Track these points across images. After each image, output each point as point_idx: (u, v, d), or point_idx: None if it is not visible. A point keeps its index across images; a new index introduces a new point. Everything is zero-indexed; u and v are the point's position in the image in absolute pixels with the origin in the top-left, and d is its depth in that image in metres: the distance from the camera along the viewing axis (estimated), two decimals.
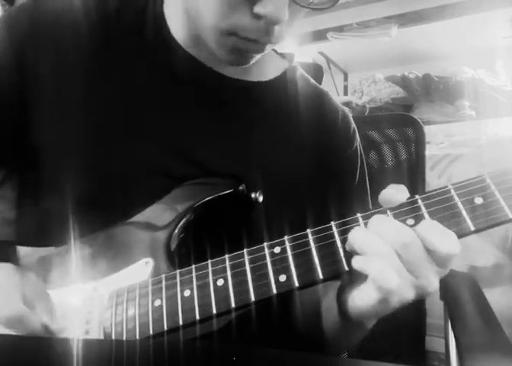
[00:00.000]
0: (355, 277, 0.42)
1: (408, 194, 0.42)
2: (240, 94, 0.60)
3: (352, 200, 0.65)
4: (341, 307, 0.44)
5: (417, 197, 0.41)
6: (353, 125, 0.68)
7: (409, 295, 0.38)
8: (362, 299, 0.40)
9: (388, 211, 0.41)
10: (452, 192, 0.40)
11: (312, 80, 0.69)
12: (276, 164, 0.60)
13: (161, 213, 0.52)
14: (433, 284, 0.39)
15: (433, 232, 0.38)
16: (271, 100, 0.62)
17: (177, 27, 0.58)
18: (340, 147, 0.65)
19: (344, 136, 0.66)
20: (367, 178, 0.69)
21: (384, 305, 0.39)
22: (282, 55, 0.68)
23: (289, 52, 0.68)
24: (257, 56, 0.53)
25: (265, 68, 0.63)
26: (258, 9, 0.44)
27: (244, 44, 0.49)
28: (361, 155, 0.69)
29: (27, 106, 0.55)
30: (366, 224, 0.41)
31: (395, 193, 0.41)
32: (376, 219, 0.40)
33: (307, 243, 0.42)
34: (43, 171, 0.55)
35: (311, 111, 0.63)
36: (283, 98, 0.62)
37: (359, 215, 0.42)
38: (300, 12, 0.49)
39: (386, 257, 0.38)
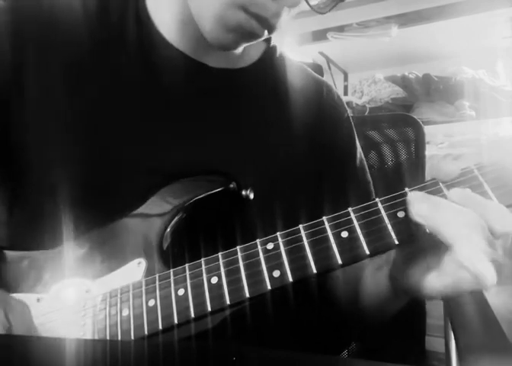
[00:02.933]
0: (412, 255, 0.41)
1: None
2: (226, 84, 0.59)
3: (352, 181, 0.64)
4: (399, 284, 0.43)
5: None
6: (338, 94, 0.69)
7: (490, 274, 0.35)
8: (442, 281, 0.38)
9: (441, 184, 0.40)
10: (440, 184, 0.40)
11: (292, 58, 0.69)
12: (269, 150, 0.59)
13: (154, 207, 0.52)
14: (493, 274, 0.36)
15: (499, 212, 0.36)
16: (255, 84, 0.61)
17: (161, 14, 0.57)
18: (330, 119, 0.65)
19: (331, 107, 0.66)
20: (364, 158, 0.69)
21: (456, 280, 0.37)
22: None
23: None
24: (246, 44, 0.53)
25: (246, 53, 0.62)
26: None
27: (249, 22, 0.48)
28: (353, 129, 0.69)
29: (14, 107, 0.54)
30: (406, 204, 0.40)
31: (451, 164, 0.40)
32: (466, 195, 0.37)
33: (300, 238, 0.42)
34: (31, 175, 0.55)
35: (295, 88, 0.63)
36: (266, 80, 0.62)
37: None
38: (296, 10, 0.50)
39: (479, 243, 0.35)
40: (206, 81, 0.58)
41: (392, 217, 0.40)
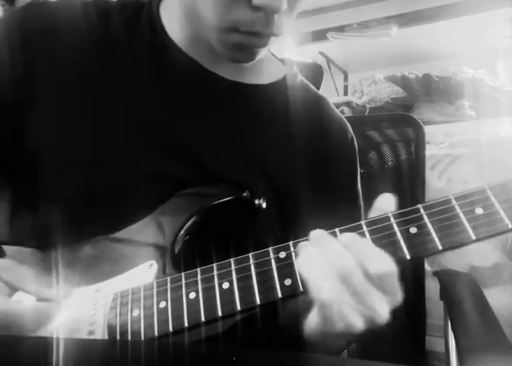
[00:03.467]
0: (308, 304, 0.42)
1: (392, 203, 0.42)
2: (237, 97, 0.59)
3: (345, 210, 0.64)
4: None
5: (419, 205, 0.41)
6: (351, 134, 0.68)
7: (357, 323, 0.36)
8: (309, 321, 0.40)
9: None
10: (453, 202, 0.40)
11: (312, 86, 0.69)
12: (274, 168, 0.59)
13: (168, 212, 0.52)
14: (378, 312, 0.37)
15: (367, 254, 0.37)
16: (269, 104, 0.61)
17: (175, 27, 0.57)
18: (338, 156, 0.65)
19: (341, 145, 0.66)
20: (360, 192, 0.69)
21: (329, 326, 0.38)
22: (282, 60, 0.68)
23: (289, 59, 0.68)
24: (262, 52, 0.53)
25: (264, 72, 0.63)
26: (256, 1, 0.44)
27: (247, 39, 0.49)
28: (357, 165, 0.68)
29: (22, 109, 0.54)
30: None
31: (383, 203, 0.41)
32: (324, 240, 0.39)
33: None
34: (40, 175, 0.55)
35: (308, 117, 0.63)
36: (282, 103, 0.62)
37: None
38: (299, 2, 0.49)
39: (325, 275, 0.37)
40: (217, 91, 0.58)
41: (405, 232, 0.40)
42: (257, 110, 0.60)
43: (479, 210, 0.39)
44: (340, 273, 0.36)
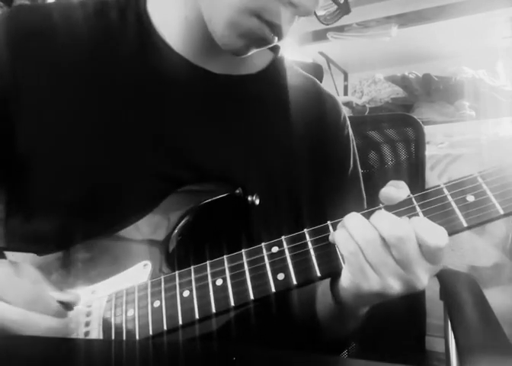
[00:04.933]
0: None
1: (408, 191, 0.43)
2: (228, 90, 0.59)
3: (346, 192, 0.65)
4: (333, 292, 0.46)
5: (411, 196, 0.42)
6: (344, 113, 0.69)
7: (395, 287, 0.39)
8: (343, 279, 0.41)
9: (383, 209, 0.42)
10: (445, 191, 0.41)
11: (300, 69, 0.69)
12: (270, 158, 0.59)
13: (161, 213, 0.52)
14: (422, 280, 0.39)
15: (423, 226, 0.39)
16: (261, 92, 0.61)
17: (164, 20, 0.57)
18: (331, 134, 0.65)
19: (334, 123, 0.66)
20: (359, 168, 0.69)
21: (364, 286, 0.40)
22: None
23: (275, 44, 0.69)
24: (256, 50, 0.53)
25: (252, 61, 0.62)
26: None
27: (261, 28, 0.49)
28: (353, 143, 0.69)
29: (12, 112, 0.54)
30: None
31: (395, 190, 0.42)
32: (377, 214, 0.41)
33: (304, 243, 0.43)
34: (36, 178, 0.55)
35: (300, 100, 0.63)
36: (272, 89, 0.62)
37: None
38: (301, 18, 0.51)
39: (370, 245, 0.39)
40: (208, 87, 0.58)
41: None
42: (251, 99, 0.61)
43: (471, 198, 0.40)
44: (394, 238, 0.38)
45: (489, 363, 0.46)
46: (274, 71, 0.64)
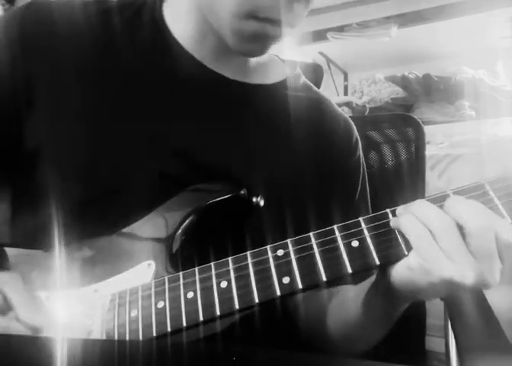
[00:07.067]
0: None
1: None
2: (240, 96, 0.59)
3: (353, 212, 0.64)
4: (384, 284, 0.44)
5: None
6: (356, 134, 0.68)
7: (469, 276, 0.37)
8: (410, 264, 0.39)
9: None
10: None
11: (315, 88, 0.69)
12: (276, 168, 0.59)
13: (166, 212, 0.52)
14: (495, 275, 0.37)
15: (501, 221, 0.38)
16: (271, 104, 0.61)
17: (180, 25, 0.57)
18: (341, 156, 0.65)
19: (345, 145, 0.66)
20: (368, 190, 0.68)
21: (432, 275, 0.38)
22: (285, 62, 0.68)
23: (292, 60, 0.68)
24: (273, 46, 0.53)
25: (267, 72, 0.63)
26: None
27: (264, 28, 0.49)
28: (363, 165, 0.68)
29: (21, 110, 0.54)
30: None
31: None
32: (455, 200, 0.39)
33: (310, 246, 0.42)
34: (38, 175, 0.55)
35: (311, 118, 0.63)
36: (284, 103, 0.62)
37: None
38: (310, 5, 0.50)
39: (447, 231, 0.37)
40: (220, 91, 0.58)
41: None
42: (261, 109, 0.60)
43: None
44: (475, 228, 0.37)
45: (489, 363, 0.46)
46: (289, 85, 0.64)
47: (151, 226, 0.52)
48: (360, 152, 0.68)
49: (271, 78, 0.63)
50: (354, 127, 0.68)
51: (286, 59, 0.68)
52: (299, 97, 0.64)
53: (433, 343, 1.12)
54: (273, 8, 0.47)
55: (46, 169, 0.54)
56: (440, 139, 1.62)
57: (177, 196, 0.53)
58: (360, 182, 0.66)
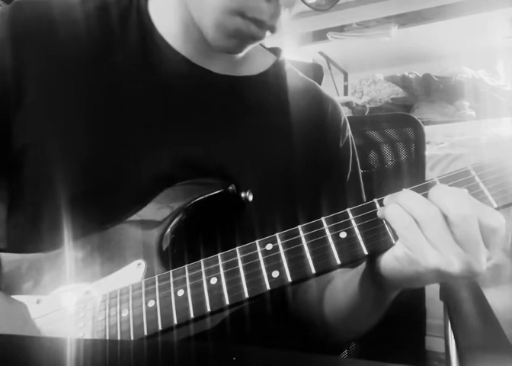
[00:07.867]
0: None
1: None
2: (228, 90, 0.59)
3: (345, 194, 0.65)
4: (373, 272, 0.44)
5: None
6: (344, 116, 0.68)
7: (455, 264, 0.37)
8: (395, 254, 0.40)
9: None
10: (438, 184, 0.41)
11: (301, 73, 0.69)
12: (267, 158, 0.59)
13: (154, 212, 0.52)
14: (481, 262, 0.37)
15: (484, 208, 0.38)
16: (260, 94, 0.61)
17: (164, 20, 0.57)
18: (332, 138, 0.65)
19: (334, 128, 0.66)
20: (360, 170, 0.69)
21: (418, 264, 0.38)
22: (269, 49, 0.68)
23: (277, 47, 0.68)
24: (251, 46, 0.53)
25: (253, 62, 0.63)
26: None
27: (248, 27, 0.49)
28: (353, 146, 0.69)
29: (10, 109, 0.54)
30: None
31: None
32: (439, 189, 0.39)
33: (298, 239, 0.43)
34: (31, 175, 0.55)
35: (300, 103, 0.63)
36: (272, 92, 0.62)
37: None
38: (297, 9, 0.50)
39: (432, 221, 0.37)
40: (208, 86, 0.58)
41: None
42: (249, 101, 0.60)
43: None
44: (459, 217, 0.37)
45: (489, 363, 0.46)
46: (275, 73, 0.64)
47: (140, 223, 0.51)
48: (349, 132, 0.68)
49: (257, 68, 0.63)
50: (341, 108, 0.69)
51: (269, 47, 0.68)
52: (285, 84, 0.64)
53: (433, 343, 1.12)
54: (261, 10, 0.48)
55: (42, 167, 0.54)
56: (440, 139, 1.62)
57: (165, 191, 0.53)
58: (350, 164, 0.67)
